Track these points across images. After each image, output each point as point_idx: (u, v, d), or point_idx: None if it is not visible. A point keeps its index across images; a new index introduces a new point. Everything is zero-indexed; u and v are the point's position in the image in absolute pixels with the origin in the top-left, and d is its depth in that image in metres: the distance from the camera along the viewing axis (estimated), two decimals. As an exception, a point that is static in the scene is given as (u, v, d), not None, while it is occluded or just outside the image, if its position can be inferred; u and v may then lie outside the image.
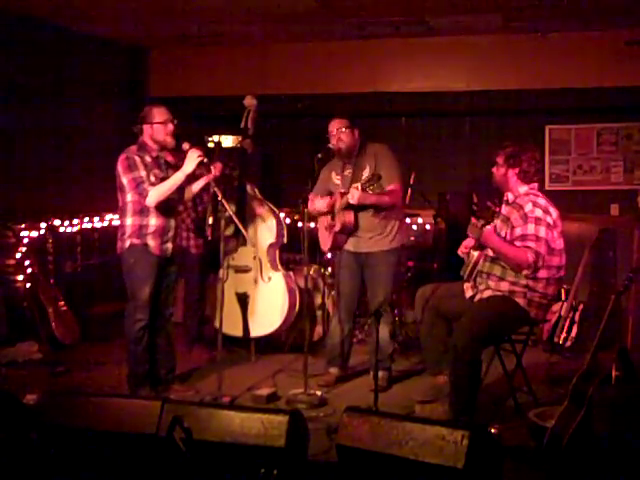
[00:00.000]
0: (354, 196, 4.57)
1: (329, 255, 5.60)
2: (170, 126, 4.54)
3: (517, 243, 4.04)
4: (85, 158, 6.72)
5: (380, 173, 4.54)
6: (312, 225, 5.32)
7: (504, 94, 6.91)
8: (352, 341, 5.24)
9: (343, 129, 4.80)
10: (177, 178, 4.47)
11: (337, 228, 4.83)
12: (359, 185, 4.54)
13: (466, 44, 6.84)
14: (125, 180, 4.46)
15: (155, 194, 4.43)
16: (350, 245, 4.90)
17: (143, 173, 4.44)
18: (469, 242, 4.33)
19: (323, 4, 5.76)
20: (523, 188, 4.19)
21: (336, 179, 4.95)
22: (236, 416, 3.23)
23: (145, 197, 4.43)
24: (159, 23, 6.49)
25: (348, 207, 4.73)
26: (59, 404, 3.47)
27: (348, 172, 4.90)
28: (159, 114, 4.53)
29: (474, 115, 7.34)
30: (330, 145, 4.78)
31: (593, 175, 7.13)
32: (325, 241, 4.97)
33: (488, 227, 4.06)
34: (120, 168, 4.48)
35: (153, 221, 4.52)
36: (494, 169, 4.28)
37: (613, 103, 6.73)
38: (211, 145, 5.54)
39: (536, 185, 4.23)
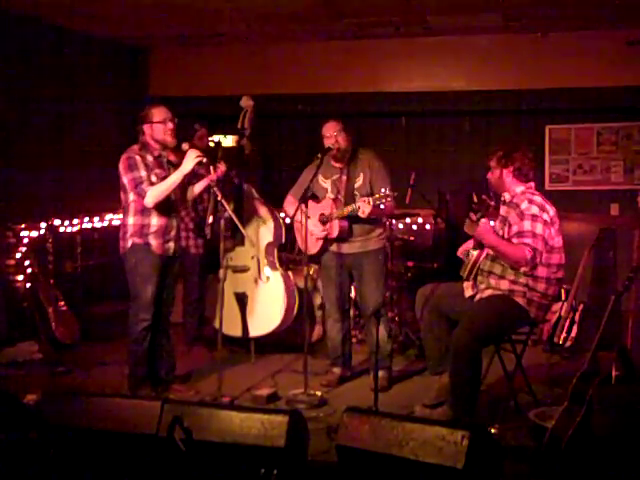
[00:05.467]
0: (365, 211, 4.58)
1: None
2: (170, 125, 4.53)
3: (514, 240, 4.04)
4: (85, 158, 6.72)
5: (381, 188, 4.58)
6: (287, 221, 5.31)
7: (504, 94, 6.92)
8: (351, 340, 5.26)
9: (341, 132, 4.80)
10: (175, 178, 4.46)
11: (335, 235, 4.83)
12: (370, 200, 4.55)
13: (466, 44, 6.84)
14: (125, 180, 4.46)
15: (153, 194, 4.43)
16: (335, 246, 4.91)
17: (143, 173, 4.44)
18: (468, 245, 4.34)
19: (323, 4, 5.76)
20: (520, 188, 4.20)
21: (324, 183, 4.94)
22: (236, 416, 3.23)
23: (144, 197, 4.43)
24: (159, 23, 6.49)
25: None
26: (59, 404, 3.47)
27: (337, 177, 4.89)
28: (158, 113, 4.53)
29: (474, 115, 7.34)
30: (331, 145, 4.78)
31: (593, 175, 7.13)
32: (310, 244, 4.84)
33: (483, 220, 4.06)
34: (121, 168, 4.48)
35: (155, 220, 4.52)
36: (489, 174, 4.30)
37: (613, 103, 6.73)
38: (211, 145, 5.54)
39: (533, 184, 4.24)
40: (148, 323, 4.54)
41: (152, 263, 4.53)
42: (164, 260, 4.60)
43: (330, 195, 4.89)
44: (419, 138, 7.48)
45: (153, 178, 4.48)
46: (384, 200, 4.53)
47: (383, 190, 4.54)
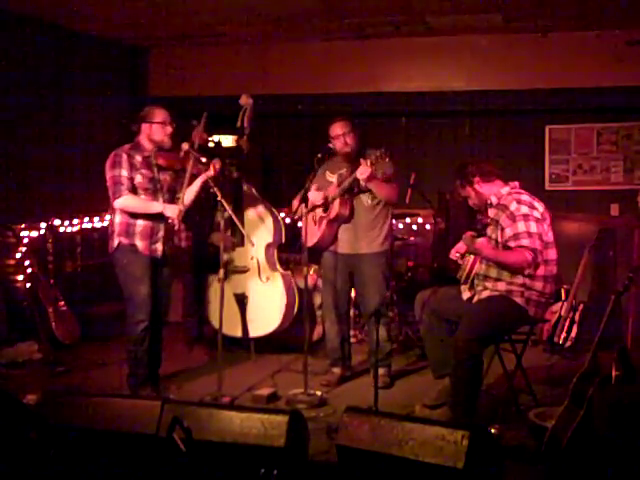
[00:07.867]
0: (364, 172, 4.53)
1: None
2: (168, 128, 4.55)
3: (510, 243, 4.03)
4: (85, 158, 6.72)
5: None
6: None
7: (504, 94, 6.91)
8: (350, 341, 5.26)
9: (350, 132, 4.79)
10: (155, 209, 4.48)
11: (332, 216, 4.80)
12: (369, 161, 4.49)
13: (466, 44, 6.84)
14: (107, 176, 4.47)
15: (127, 203, 4.44)
16: (338, 247, 4.90)
17: (124, 173, 4.43)
18: (460, 246, 4.34)
19: (323, 4, 5.76)
20: (504, 188, 4.21)
21: (330, 177, 4.93)
22: (236, 416, 3.23)
23: (115, 197, 4.42)
24: (159, 23, 6.48)
25: (346, 194, 4.73)
26: (59, 404, 3.47)
27: (345, 170, 4.89)
28: (159, 114, 4.55)
29: (474, 115, 7.34)
30: (330, 145, 4.77)
31: (593, 175, 7.13)
32: (312, 235, 4.83)
33: (480, 239, 4.09)
34: (106, 165, 4.50)
35: (141, 220, 4.50)
36: (470, 202, 4.34)
37: (613, 103, 6.72)
38: (211, 145, 5.52)
39: (517, 184, 4.25)
40: (146, 324, 4.52)
41: (142, 264, 4.51)
42: (153, 261, 4.58)
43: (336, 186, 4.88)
44: (419, 138, 7.47)
45: (138, 177, 4.47)
46: (380, 160, 4.47)
47: (379, 152, 4.48)
